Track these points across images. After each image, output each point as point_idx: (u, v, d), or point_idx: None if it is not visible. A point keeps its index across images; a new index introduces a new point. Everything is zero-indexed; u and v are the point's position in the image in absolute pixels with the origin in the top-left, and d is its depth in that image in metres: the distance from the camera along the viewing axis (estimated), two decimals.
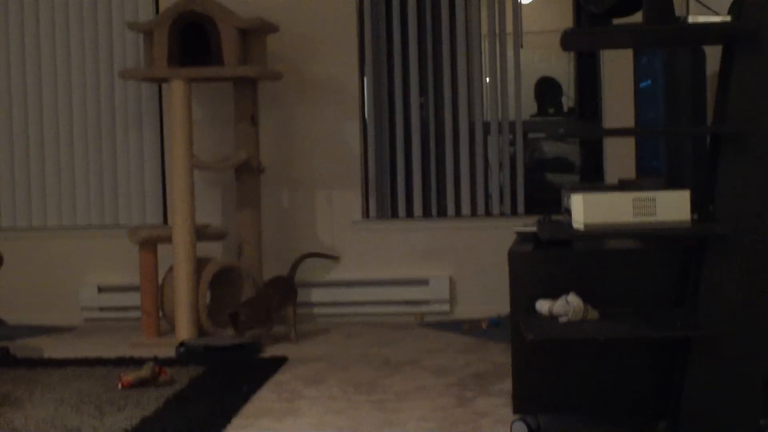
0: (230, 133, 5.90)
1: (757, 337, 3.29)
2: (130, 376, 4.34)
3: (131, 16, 6.15)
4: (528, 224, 4.13)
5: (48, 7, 6.22)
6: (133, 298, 5.82)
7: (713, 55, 3.80)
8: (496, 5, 6.07)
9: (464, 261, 6.01)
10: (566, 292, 3.55)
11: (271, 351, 5.10)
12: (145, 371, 4.37)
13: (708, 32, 3.31)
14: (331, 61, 6.07)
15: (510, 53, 6.11)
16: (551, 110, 8.62)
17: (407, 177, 6.14)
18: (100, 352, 5.13)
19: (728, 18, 3.29)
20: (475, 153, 6.10)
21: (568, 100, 8.53)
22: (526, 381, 3.70)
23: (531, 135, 7.72)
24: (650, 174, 4.17)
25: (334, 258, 5.72)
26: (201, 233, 5.53)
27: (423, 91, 6.17)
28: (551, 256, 3.72)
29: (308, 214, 6.11)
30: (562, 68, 8.35)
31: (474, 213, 6.11)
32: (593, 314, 3.48)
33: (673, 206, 3.22)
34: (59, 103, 6.23)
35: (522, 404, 3.69)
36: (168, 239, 5.43)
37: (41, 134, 6.25)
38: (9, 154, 6.27)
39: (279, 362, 4.82)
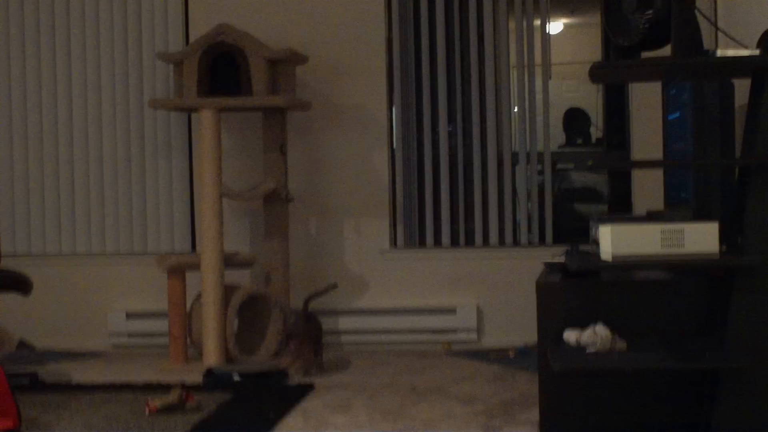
0: (259, 162, 5.94)
1: None
2: (157, 401, 4.35)
3: (161, 47, 6.21)
4: (556, 254, 4.14)
5: (79, 37, 6.29)
6: (161, 325, 5.85)
7: (741, 87, 3.80)
8: (525, 36, 6.09)
9: (492, 290, 6.01)
10: (594, 322, 3.55)
11: (297, 378, 5.11)
12: (172, 397, 4.38)
13: (737, 65, 3.32)
14: (360, 90, 6.10)
15: (538, 84, 6.13)
16: (579, 141, 8.63)
17: (435, 206, 6.16)
18: (128, 377, 5.15)
19: (757, 51, 3.29)
20: (504, 183, 6.10)
21: (596, 131, 8.53)
22: (553, 411, 3.69)
23: (560, 165, 7.73)
24: (678, 205, 4.17)
25: (334, 286, 5.63)
26: (229, 260, 5.55)
27: (451, 120, 6.19)
28: (579, 287, 3.72)
29: (336, 243, 6.13)
30: (590, 99, 8.36)
31: (502, 242, 6.11)
32: (621, 345, 3.47)
33: (701, 238, 3.22)
34: (89, 131, 6.29)
35: None
36: (196, 266, 5.46)
37: (71, 162, 6.31)
38: (39, 181, 6.33)
39: (306, 389, 4.82)
